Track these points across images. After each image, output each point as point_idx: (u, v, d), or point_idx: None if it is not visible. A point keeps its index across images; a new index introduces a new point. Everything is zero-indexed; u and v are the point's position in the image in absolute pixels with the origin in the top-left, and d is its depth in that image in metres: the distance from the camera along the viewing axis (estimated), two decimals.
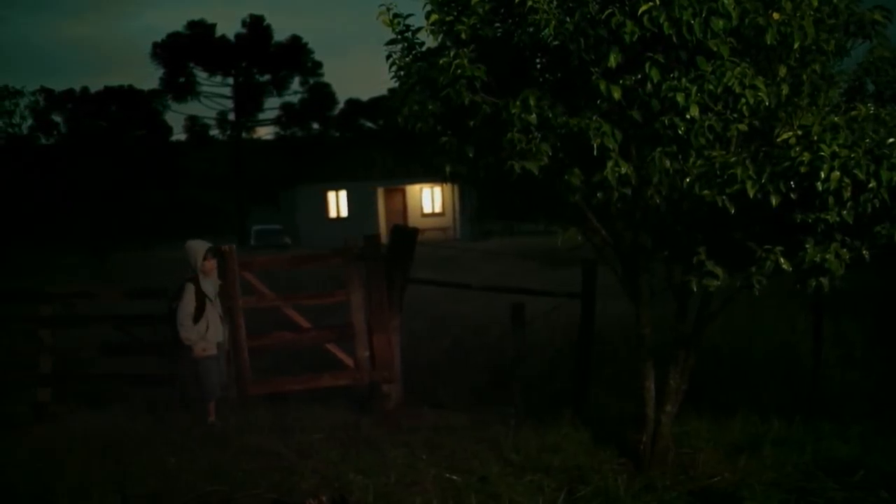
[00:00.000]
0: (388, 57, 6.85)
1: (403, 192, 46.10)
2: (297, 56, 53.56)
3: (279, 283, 11.22)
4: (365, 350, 9.12)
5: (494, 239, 38.66)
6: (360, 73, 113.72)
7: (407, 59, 6.73)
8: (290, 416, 8.42)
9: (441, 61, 6.19)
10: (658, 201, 6.35)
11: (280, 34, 54.52)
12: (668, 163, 6.08)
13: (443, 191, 46.47)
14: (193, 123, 53.60)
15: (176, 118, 72.67)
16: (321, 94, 54.03)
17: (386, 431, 8.14)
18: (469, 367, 10.22)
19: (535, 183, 6.46)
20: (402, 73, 6.77)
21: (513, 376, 8.96)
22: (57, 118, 55.01)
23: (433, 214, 46.61)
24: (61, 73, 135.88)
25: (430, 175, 45.23)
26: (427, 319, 12.30)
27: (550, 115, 6.11)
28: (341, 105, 56.06)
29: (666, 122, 5.94)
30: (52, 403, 9.20)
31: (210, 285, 8.57)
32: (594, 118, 6.03)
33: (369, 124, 58.04)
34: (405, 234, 9.37)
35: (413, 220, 41.64)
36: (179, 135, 55.39)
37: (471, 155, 6.63)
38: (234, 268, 8.93)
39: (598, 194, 6.42)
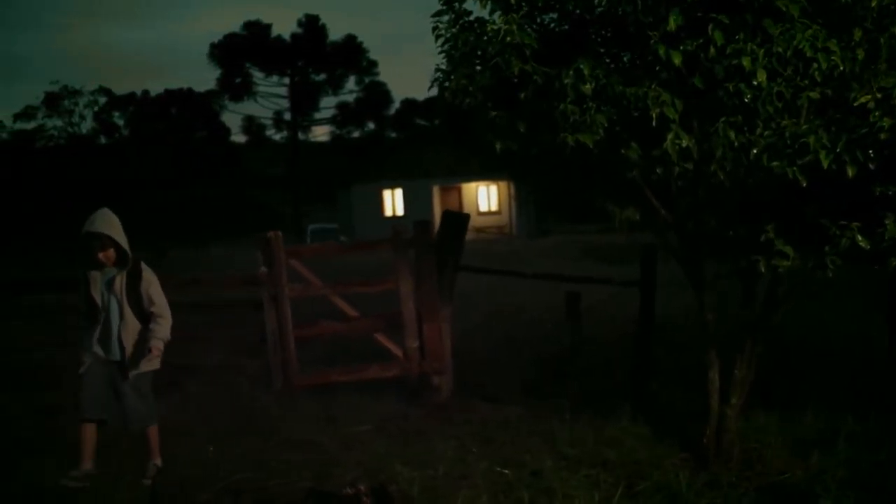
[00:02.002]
0: (435, 29, 6.52)
1: (459, 191, 45.87)
2: (352, 55, 53.74)
3: (327, 277, 10.98)
4: (414, 340, 8.83)
5: (551, 237, 38.19)
6: (415, 73, 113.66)
7: (454, 29, 6.39)
8: (337, 408, 8.17)
9: (489, 28, 5.86)
10: (722, 177, 5.92)
11: (335, 34, 54.70)
12: (732, 134, 5.63)
13: (499, 189, 46.23)
14: (250, 123, 54.08)
15: (233, 118, 73.55)
16: (377, 93, 54.13)
17: (435, 424, 7.85)
18: (523, 358, 9.87)
19: (591, 159, 6.09)
20: (448, 44, 6.43)
21: (568, 367, 8.59)
22: (118, 120, 55.92)
23: (489, 213, 46.35)
24: (121, 77, 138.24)
25: (486, 172, 45.10)
26: (480, 310, 11.98)
27: (606, 85, 5.72)
28: (397, 105, 56.14)
29: (731, 88, 5.51)
30: None
31: (105, 281, 6.55)
32: (653, 86, 5.63)
33: (425, 123, 58.02)
34: (456, 220, 9.04)
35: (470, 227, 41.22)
36: (237, 135, 55.94)
37: (522, 130, 6.26)
38: (281, 255, 8.70)
39: (657, 170, 6.02)
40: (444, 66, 6.62)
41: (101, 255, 6.38)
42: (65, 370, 9.28)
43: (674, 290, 10.09)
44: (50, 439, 7.41)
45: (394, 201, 46.75)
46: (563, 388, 8.50)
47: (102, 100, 52.91)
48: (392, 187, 46.48)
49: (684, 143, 5.72)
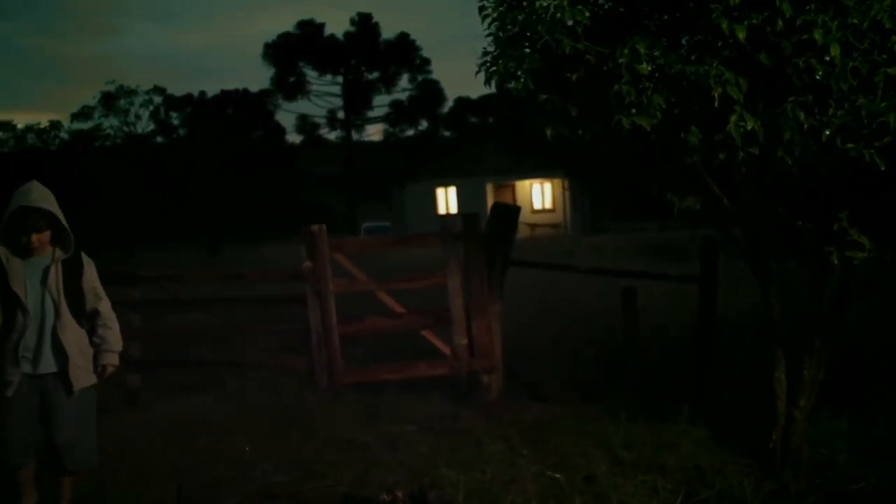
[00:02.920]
0: (482, 9, 6.19)
1: (513, 188, 45.58)
2: (405, 53, 53.70)
3: (374, 274, 10.72)
4: (463, 337, 8.51)
5: (607, 234, 37.62)
6: (468, 72, 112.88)
7: (501, 7, 6.05)
8: (382, 407, 7.89)
9: (538, 5, 5.51)
10: (790, 162, 5.50)
11: (387, 33, 54.66)
12: (802, 115, 5.21)
13: (553, 186, 45.92)
14: (304, 122, 54.29)
15: (287, 118, 74.15)
16: (430, 91, 54.01)
17: (484, 424, 7.53)
18: (576, 357, 9.49)
19: (648, 144, 5.72)
20: (495, 24, 6.10)
21: (623, 367, 8.20)
22: (175, 121, 56.57)
23: (543, 210, 45.98)
24: (179, 78, 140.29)
25: (540, 170, 44.75)
26: (532, 307, 11.61)
27: (664, 64, 5.34)
28: (450, 103, 55.96)
29: (800, 65, 5.09)
30: (142, 390, 8.92)
31: (32, 271, 5.11)
32: (715, 64, 5.24)
33: (479, 122, 57.80)
34: (506, 213, 8.69)
35: (523, 216, 41.00)
36: (292, 134, 56.25)
37: (574, 114, 5.89)
38: (325, 249, 8.44)
39: (719, 155, 5.61)
40: (491, 49, 6.29)
41: (35, 238, 5.00)
42: None
43: (733, 287, 9.67)
44: None
45: (447, 200, 46.61)
46: (618, 388, 8.13)
47: (157, 99, 53.55)
48: (445, 185, 46.34)
49: (749, 126, 5.31)
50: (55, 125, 52.07)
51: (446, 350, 8.71)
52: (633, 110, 5.37)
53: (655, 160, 6.16)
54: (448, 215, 44.78)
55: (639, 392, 8.06)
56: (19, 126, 53.39)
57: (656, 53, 5.37)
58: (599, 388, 8.42)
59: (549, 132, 6.17)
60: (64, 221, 5.10)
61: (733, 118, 5.28)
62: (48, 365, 5.04)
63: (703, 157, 5.75)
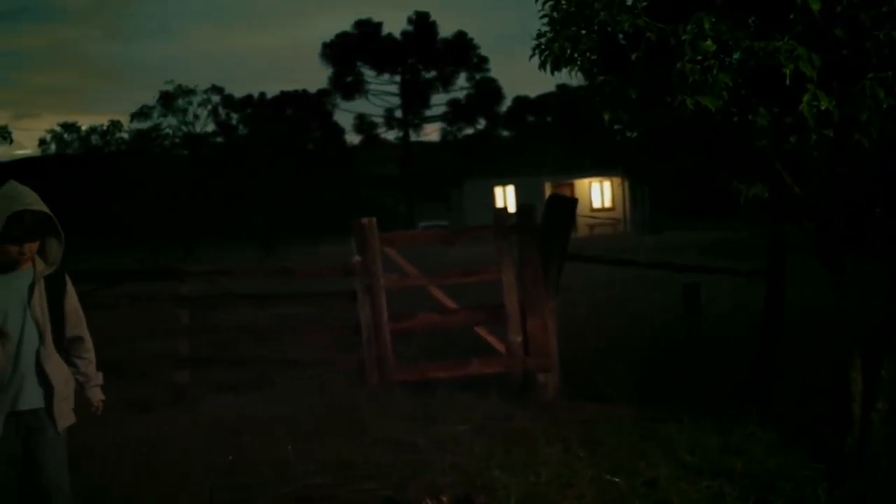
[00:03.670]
0: None
1: (572, 187, 45.10)
2: (462, 52, 53.46)
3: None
4: (518, 334, 8.22)
5: (667, 233, 36.92)
6: (527, 72, 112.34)
7: None
8: (434, 406, 7.63)
9: None
10: (867, 145, 5.11)
11: (445, 32, 54.47)
12: (881, 93, 4.83)
13: (612, 184, 45.37)
14: (362, 121, 54.37)
15: (345, 118, 74.50)
16: (488, 90, 53.69)
17: (539, 425, 7.21)
18: (636, 355, 9.11)
19: (712, 127, 5.36)
20: (549, 4, 5.79)
21: (687, 366, 7.82)
22: (235, 122, 57.09)
23: (603, 209, 45.42)
24: (239, 80, 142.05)
25: (599, 168, 44.21)
26: (589, 303, 11.24)
27: (730, 39, 4.98)
28: (508, 102, 55.61)
29: (881, 37, 4.71)
30: (191, 387, 8.78)
31: (10, 288, 4.19)
32: (786, 39, 4.87)
33: (537, 120, 57.39)
34: (563, 205, 8.37)
35: (582, 215, 40.64)
36: (350, 133, 56.40)
37: (633, 96, 5.55)
38: (375, 243, 8.22)
39: (790, 139, 5.24)
40: (545, 31, 5.98)
41: (27, 248, 4.15)
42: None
43: (799, 283, 9.22)
44: None
45: (505, 198, 46.30)
46: (681, 388, 7.75)
47: (215, 98, 54.05)
48: (503, 184, 46.06)
49: (823, 106, 4.94)
50: (115, 124, 52.96)
51: (500, 348, 8.42)
52: (697, 90, 5.02)
53: (721, 145, 5.79)
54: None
55: (702, 392, 7.69)
56: (83, 128, 54.43)
57: (722, 29, 5.02)
58: (661, 389, 8.05)
59: (607, 117, 5.85)
60: (59, 226, 4.29)
61: (806, 98, 4.91)
62: (32, 400, 4.16)
63: (772, 141, 5.39)
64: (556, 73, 6.00)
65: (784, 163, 5.62)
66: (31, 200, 4.14)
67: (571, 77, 5.93)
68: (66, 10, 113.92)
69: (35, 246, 4.18)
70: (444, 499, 4.74)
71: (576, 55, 5.74)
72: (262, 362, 8.98)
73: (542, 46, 5.94)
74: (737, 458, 6.16)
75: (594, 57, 5.78)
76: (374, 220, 8.29)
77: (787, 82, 4.86)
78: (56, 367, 4.22)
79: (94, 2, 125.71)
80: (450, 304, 8.57)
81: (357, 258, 8.23)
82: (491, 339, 8.59)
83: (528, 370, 8.23)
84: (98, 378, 4.48)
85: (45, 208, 4.17)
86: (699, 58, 5.02)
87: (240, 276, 8.83)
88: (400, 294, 8.88)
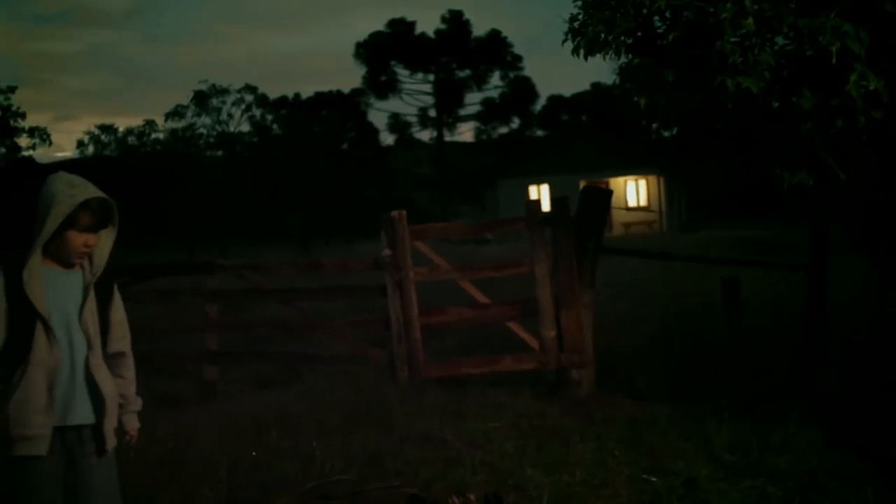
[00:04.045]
0: None
1: (606, 185, 44.60)
2: (496, 50, 53.15)
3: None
4: (552, 329, 8.00)
5: (703, 232, 36.45)
6: (561, 72, 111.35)
7: None
8: (465, 402, 7.44)
9: None
10: None
11: (479, 30, 54.15)
12: None
13: (647, 183, 44.85)
14: (397, 121, 54.27)
15: (379, 118, 74.34)
16: (522, 88, 53.32)
17: (574, 422, 7.02)
18: (674, 351, 8.87)
19: (754, 111, 5.14)
20: None
21: (726, 362, 7.57)
22: (271, 123, 57.24)
23: (638, 208, 44.93)
24: (274, 81, 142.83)
25: (634, 166, 43.76)
26: (625, 298, 11.00)
27: (772, 17, 4.76)
28: (543, 101, 55.27)
29: None
30: (220, 382, 8.68)
31: (60, 290, 3.69)
32: (831, 16, 4.64)
33: (571, 119, 57.01)
34: (597, 197, 8.15)
35: (617, 214, 40.30)
36: (384, 133, 56.33)
37: (670, 78, 5.35)
38: (405, 235, 8.05)
39: (836, 122, 5.01)
40: (579, 15, 5.78)
41: (91, 241, 3.71)
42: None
43: (842, 276, 8.93)
44: None
45: (539, 197, 45.99)
46: (720, 384, 7.50)
47: (249, 97, 54.14)
48: (538, 183, 45.73)
49: (871, 86, 4.71)
50: (149, 123, 53.24)
51: (534, 343, 8.21)
52: (738, 71, 4.80)
53: (763, 130, 5.57)
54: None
55: (743, 389, 7.44)
56: (120, 129, 54.84)
57: (764, 6, 4.80)
58: (699, 385, 7.81)
59: (643, 102, 5.65)
60: (118, 218, 3.81)
61: (853, 77, 4.69)
62: (82, 414, 3.67)
63: (817, 125, 5.15)
64: (589, 57, 5.80)
65: (829, 148, 5.38)
66: (94, 188, 3.72)
67: (606, 61, 5.73)
68: (105, 16, 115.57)
69: (96, 240, 3.74)
70: (472, 497, 4.55)
71: (610, 38, 5.55)
72: (291, 357, 8.85)
73: (576, 31, 5.76)
74: (779, 456, 5.93)
75: (629, 41, 5.58)
76: (405, 212, 8.12)
77: (834, 61, 4.62)
78: (107, 379, 3.76)
79: (131, 7, 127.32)
80: (482, 298, 8.38)
81: (387, 251, 8.07)
82: (524, 334, 8.39)
83: (561, 366, 8.01)
84: (137, 403, 3.97)
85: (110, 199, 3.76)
86: (740, 37, 4.82)
87: (269, 270, 8.69)
88: (431, 289, 8.71)
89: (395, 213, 8.06)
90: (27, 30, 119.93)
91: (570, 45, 5.83)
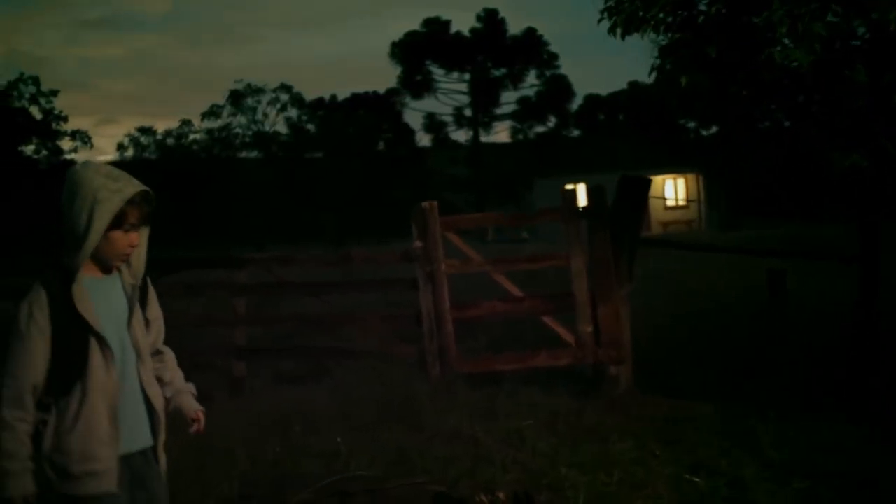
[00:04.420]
0: None
1: None
2: (532, 49, 52.83)
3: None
4: (588, 324, 7.72)
5: (743, 231, 35.86)
6: (598, 71, 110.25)
7: None
8: (498, 399, 7.20)
9: None
10: None
11: (514, 29, 53.85)
12: None
13: (686, 181, 44.25)
14: (432, 120, 54.15)
15: (414, 118, 74.50)
16: (558, 86, 52.95)
17: (611, 420, 6.75)
18: (715, 346, 8.55)
19: (803, 86, 4.83)
20: None
21: (771, 358, 7.24)
22: (307, 124, 57.44)
23: (677, 207, 44.35)
24: (309, 83, 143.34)
25: (673, 165, 43.19)
26: (665, 292, 10.67)
27: None
28: (579, 101, 54.88)
29: None
30: (248, 378, 8.49)
31: (104, 298, 3.23)
32: None
33: (608, 118, 56.58)
34: (635, 186, 7.84)
35: (655, 213, 39.78)
36: (419, 133, 56.28)
37: (713, 55, 5.06)
38: (436, 227, 7.81)
39: (893, 98, 4.69)
40: None
41: (135, 243, 3.27)
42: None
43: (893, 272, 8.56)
44: None
45: (577, 196, 45.60)
46: (766, 381, 7.18)
47: (284, 97, 54.33)
48: (575, 182, 45.32)
49: None
50: (185, 123, 53.72)
51: (570, 338, 7.93)
52: (787, 43, 4.50)
53: (813, 108, 5.26)
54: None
55: (789, 386, 7.12)
56: (159, 131, 55.36)
57: None
58: (743, 382, 7.50)
59: (683, 80, 5.35)
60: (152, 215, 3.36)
61: None
62: (142, 437, 3.27)
63: (871, 101, 4.84)
64: (626, 37, 5.53)
65: (885, 128, 5.06)
66: (136, 180, 3.27)
67: (643, 38, 5.46)
68: (145, 20, 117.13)
69: (138, 239, 3.30)
70: (501, 495, 4.28)
71: (648, 15, 5.28)
72: (320, 352, 8.65)
73: (612, 9, 5.49)
74: (829, 456, 5.65)
75: (668, 18, 5.30)
76: (436, 203, 7.88)
77: (892, 29, 4.32)
78: (158, 394, 3.35)
79: (171, 11, 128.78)
80: (516, 291, 8.11)
81: (418, 243, 7.84)
82: (559, 329, 8.11)
83: (598, 362, 7.73)
84: (192, 388, 3.51)
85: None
86: (787, 6, 4.52)
87: (298, 264, 8.50)
88: (463, 286, 8.46)
89: (426, 204, 7.83)
90: (72, 36, 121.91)
91: (605, 24, 5.57)
